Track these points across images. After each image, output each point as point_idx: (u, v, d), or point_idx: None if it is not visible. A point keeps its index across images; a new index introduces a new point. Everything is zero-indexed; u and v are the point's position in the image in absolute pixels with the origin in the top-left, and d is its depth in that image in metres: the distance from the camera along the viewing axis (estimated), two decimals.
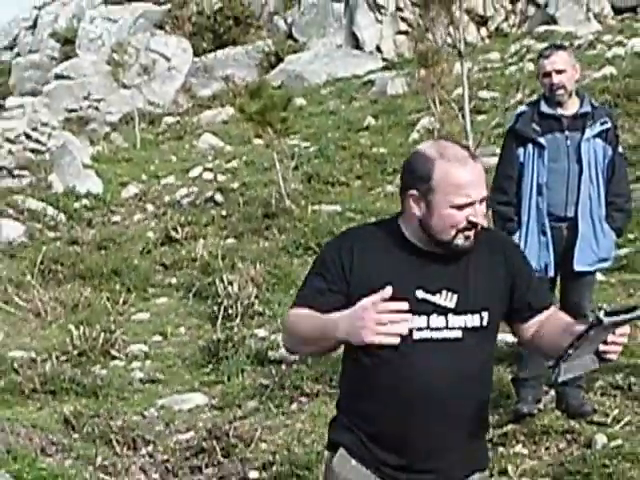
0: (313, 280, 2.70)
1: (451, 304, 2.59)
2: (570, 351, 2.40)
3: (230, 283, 8.32)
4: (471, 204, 2.52)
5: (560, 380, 2.46)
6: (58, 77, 20.43)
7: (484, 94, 14.13)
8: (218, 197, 12.50)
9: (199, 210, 11.95)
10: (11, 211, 11.98)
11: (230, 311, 7.73)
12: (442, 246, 2.59)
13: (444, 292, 2.59)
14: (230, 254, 9.68)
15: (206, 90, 20.13)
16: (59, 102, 19.11)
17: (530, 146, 4.93)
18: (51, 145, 14.90)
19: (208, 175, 13.97)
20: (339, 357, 2.83)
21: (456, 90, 12.30)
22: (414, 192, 2.57)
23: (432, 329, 2.56)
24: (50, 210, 11.95)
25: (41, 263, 9.74)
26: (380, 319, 2.33)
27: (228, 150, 15.59)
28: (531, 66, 13.88)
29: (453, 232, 2.55)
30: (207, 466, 5.07)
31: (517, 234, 5.00)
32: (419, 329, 2.54)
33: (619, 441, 4.72)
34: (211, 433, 5.19)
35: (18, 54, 23.46)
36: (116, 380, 6.48)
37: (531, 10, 18.47)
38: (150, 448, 5.48)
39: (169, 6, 21.95)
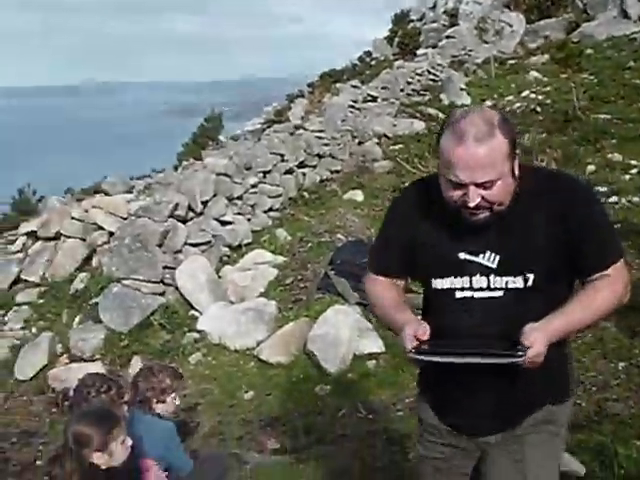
0: (381, 245, 2.73)
1: (493, 265, 2.44)
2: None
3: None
4: (463, 185, 2.31)
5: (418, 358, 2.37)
6: (447, 37, 24.92)
7: None
8: (538, 108, 15.74)
9: (525, 116, 15.15)
10: (418, 115, 17.00)
11: None
12: (455, 214, 2.43)
13: (487, 253, 2.45)
14: (542, 144, 12.36)
15: (533, 44, 24.80)
16: (447, 52, 23.38)
17: None
18: (442, 77, 19.61)
19: (532, 95, 17.26)
20: None
21: None
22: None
23: (474, 289, 2.47)
24: (441, 114, 16.28)
25: (434, 145, 14.84)
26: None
27: (545, 81, 18.81)
28: None
29: (454, 205, 2.39)
30: None
31: None
32: (462, 289, 2.48)
33: None
34: None
35: (424, 23, 29.73)
36: None
37: None
38: None
39: None
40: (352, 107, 15.87)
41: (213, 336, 7.76)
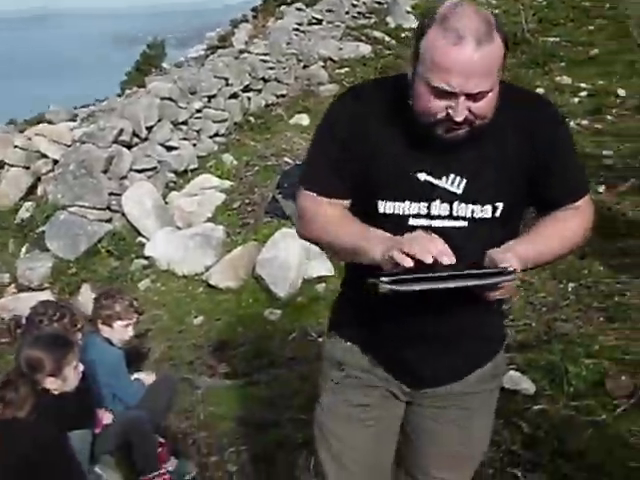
0: (325, 159, 2.21)
1: (458, 190, 2.11)
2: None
3: None
4: (452, 95, 1.94)
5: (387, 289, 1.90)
6: None
7: None
8: None
9: None
10: (364, 38, 16.48)
11: None
12: (425, 129, 2.04)
13: (452, 176, 2.11)
14: None
15: None
16: None
17: None
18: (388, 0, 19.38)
19: None
20: None
21: None
22: (412, 50, 2.02)
23: (432, 217, 2.12)
24: (387, 38, 16.34)
25: (380, 68, 13.25)
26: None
27: (493, 3, 18.08)
28: None
29: (430, 119, 2.01)
30: None
31: None
32: (416, 216, 2.12)
33: None
34: None
35: None
36: None
37: None
38: None
39: None
40: (297, 30, 15.62)
41: (161, 262, 7.70)
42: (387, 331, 2.29)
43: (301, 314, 6.33)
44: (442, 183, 2.12)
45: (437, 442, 2.45)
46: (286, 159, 9.61)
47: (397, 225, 2.10)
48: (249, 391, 5.05)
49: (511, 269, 1.96)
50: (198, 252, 7.61)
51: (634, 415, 4.18)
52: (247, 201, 8.67)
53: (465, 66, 1.90)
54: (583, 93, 11.23)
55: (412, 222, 2.12)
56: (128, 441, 3.95)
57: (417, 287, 1.90)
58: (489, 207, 2.13)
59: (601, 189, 7.55)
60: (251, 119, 11.99)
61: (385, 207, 2.16)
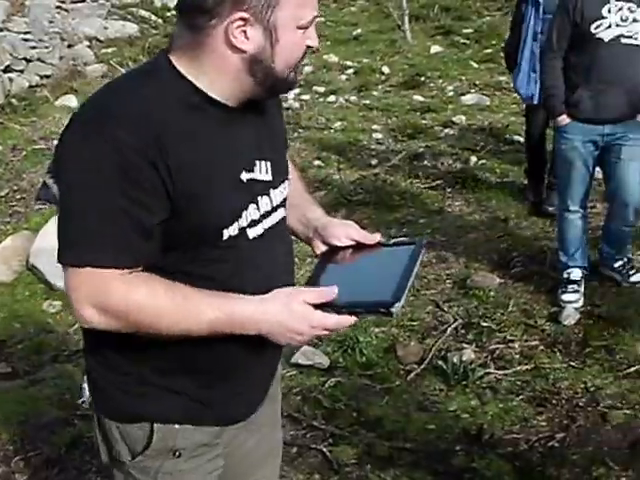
0: (115, 216, 1.58)
1: (268, 176, 1.80)
2: None
3: None
4: (312, 21, 1.71)
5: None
6: None
7: None
8: None
9: None
10: (130, 17, 15.56)
11: None
12: (271, 89, 1.71)
13: (257, 163, 1.78)
14: None
15: None
16: None
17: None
18: None
19: None
20: None
21: None
22: (243, 15, 1.58)
23: (263, 216, 1.80)
24: (153, 17, 15.59)
25: (148, 48, 12.74)
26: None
27: None
28: None
29: (292, 66, 1.70)
30: None
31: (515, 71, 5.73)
32: (252, 224, 1.76)
33: None
34: None
35: None
36: None
37: None
38: None
39: None
40: (59, 8, 14.84)
41: None
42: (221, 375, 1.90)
43: None
44: (256, 175, 1.80)
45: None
46: (55, 142, 9.11)
47: (238, 245, 1.75)
48: (33, 391, 4.72)
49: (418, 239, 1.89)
50: None
51: (426, 379, 4.34)
52: (15, 188, 8.15)
53: None
54: (350, 71, 11.53)
55: (251, 233, 1.78)
56: None
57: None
58: (287, 183, 1.95)
59: (374, 162, 7.75)
60: (14, 101, 11.31)
61: (227, 231, 1.73)
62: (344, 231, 1.95)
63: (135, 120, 1.59)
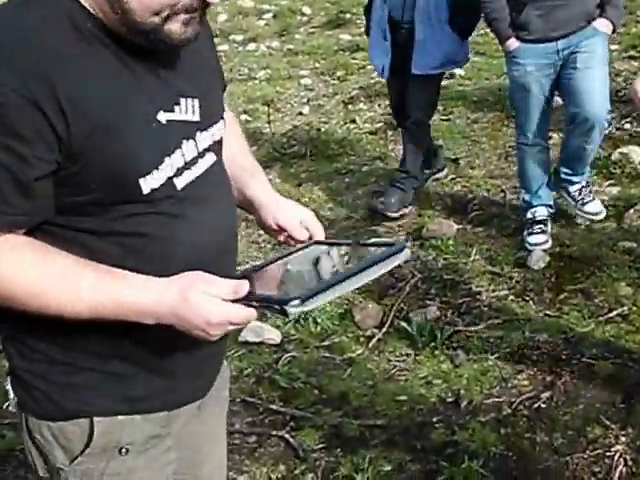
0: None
1: (195, 116, 1.56)
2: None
3: None
4: None
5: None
6: None
7: None
8: None
9: None
10: None
11: None
12: (146, 37, 1.41)
13: (182, 101, 1.53)
14: None
15: None
16: None
17: None
18: None
19: None
20: None
21: None
22: None
23: (190, 163, 1.54)
24: None
25: None
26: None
27: None
28: None
29: (156, 8, 1.37)
30: None
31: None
32: (179, 172, 1.52)
33: None
34: None
35: None
36: None
37: None
38: None
39: None
40: None
41: None
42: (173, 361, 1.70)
43: None
44: (181, 115, 1.54)
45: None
46: None
47: (167, 197, 1.51)
48: None
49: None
50: None
51: (390, 344, 3.98)
52: None
53: None
54: (268, 15, 11.00)
55: (179, 184, 1.52)
56: None
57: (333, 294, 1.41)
58: (221, 124, 1.69)
59: (306, 110, 7.30)
60: None
61: (149, 183, 1.48)
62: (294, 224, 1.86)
63: (12, 54, 1.34)
